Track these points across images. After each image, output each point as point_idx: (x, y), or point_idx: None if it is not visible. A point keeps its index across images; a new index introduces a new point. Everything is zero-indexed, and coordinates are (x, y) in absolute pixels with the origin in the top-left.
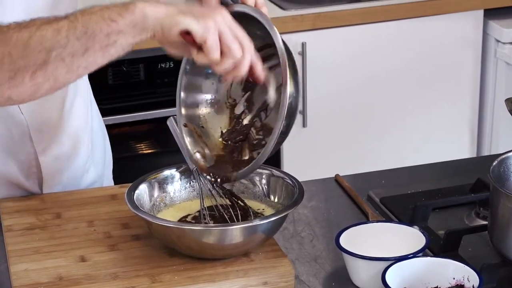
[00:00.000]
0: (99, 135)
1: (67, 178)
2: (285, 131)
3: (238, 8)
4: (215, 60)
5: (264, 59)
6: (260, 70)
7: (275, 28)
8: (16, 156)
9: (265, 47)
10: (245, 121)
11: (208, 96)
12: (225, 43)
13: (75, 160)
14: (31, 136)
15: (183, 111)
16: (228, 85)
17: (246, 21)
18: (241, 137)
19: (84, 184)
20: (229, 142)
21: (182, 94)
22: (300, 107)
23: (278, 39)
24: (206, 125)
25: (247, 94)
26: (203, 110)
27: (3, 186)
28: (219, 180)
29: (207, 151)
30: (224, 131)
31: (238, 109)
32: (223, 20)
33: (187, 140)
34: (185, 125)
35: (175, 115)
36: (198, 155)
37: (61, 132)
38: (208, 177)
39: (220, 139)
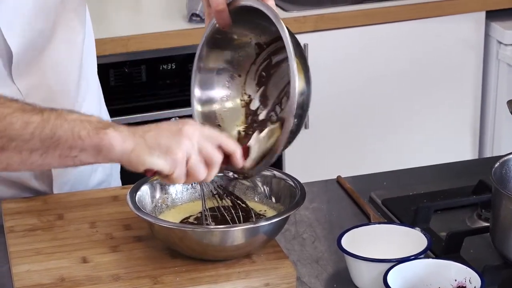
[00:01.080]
0: None
1: (75, 177)
2: (296, 129)
3: (245, 2)
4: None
5: (275, 53)
6: (239, 161)
7: (283, 23)
8: None
9: (276, 40)
10: (261, 116)
11: (222, 93)
12: (191, 168)
13: None
14: None
15: (199, 108)
16: (243, 81)
17: (255, 14)
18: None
19: (92, 184)
20: (246, 140)
21: (197, 92)
22: None
23: (285, 34)
24: (223, 123)
25: (261, 89)
26: (219, 107)
27: (13, 187)
28: (234, 176)
29: None
30: (241, 129)
31: (254, 105)
32: (191, 143)
33: None
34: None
35: (177, 117)
36: None
37: None
38: (223, 173)
39: (237, 136)
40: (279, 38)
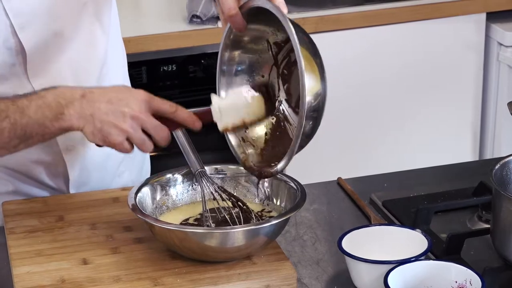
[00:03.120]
0: None
1: (96, 179)
2: (311, 132)
3: (255, 3)
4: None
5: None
6: (193, 126)
7: (289, 23)
8: (41, 154)
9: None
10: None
11: (248, 94)
12: (134, 142)
13: (105, 161)
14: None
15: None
16: (266, 81)
17: (269, 13)
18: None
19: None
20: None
21: (223, 94)
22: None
23: (293, 36)
24: (250, 127)
25: (285, 86)
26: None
27: (30, 184)
28: (261, 173)
29: (250, 150)
30: (269, 130)
31: (279, 104)
32: (133, 123)
33: (233, 142)
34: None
35: None
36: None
37: None
38: (252, 172)
39: (265, 137)
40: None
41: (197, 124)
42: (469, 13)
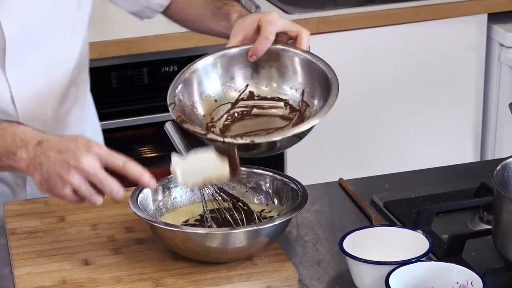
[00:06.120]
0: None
1: None
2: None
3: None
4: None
5: None
6: (146, 184)
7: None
8: None
9: None
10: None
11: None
12: (82, 194)
13: None
14: None
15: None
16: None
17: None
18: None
19: None
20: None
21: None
22: None
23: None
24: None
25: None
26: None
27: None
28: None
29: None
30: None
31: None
32: (79, 177)
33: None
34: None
35: (172, 120)
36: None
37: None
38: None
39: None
40: None
41: (151, 184)
42: (471, 14)
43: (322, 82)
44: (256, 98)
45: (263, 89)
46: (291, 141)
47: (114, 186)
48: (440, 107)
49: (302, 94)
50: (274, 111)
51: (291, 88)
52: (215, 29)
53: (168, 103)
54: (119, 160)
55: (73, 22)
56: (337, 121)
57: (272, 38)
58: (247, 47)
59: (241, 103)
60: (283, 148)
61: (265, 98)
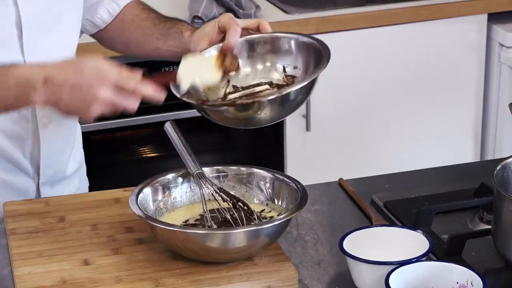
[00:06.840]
0: None
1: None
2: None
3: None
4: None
5: None
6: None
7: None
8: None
9: None
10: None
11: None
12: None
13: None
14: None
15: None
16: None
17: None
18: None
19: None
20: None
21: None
22: (303, 111)
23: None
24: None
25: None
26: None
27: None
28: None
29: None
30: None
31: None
32: (100, 107)
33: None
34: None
35: (172, 120)
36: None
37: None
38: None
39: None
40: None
41: (162, 98)
42: (471, 14)
43: (302, 49)
44: (240, 90)
45: (245, 81)
46: (300, 100)
47: (133, 104)
48: (440, 107)
49: (284, 70)
50: (263, 94)
51: (269, 70)
52: (162, 49)
53: (179, 97)
54: (130, 83)
55: (79, 8)
56: (337, 121)
57: (239, 29)
58: (217, 46)
59: (230, 96)
60: (290, 108)
61: (248, 87)
